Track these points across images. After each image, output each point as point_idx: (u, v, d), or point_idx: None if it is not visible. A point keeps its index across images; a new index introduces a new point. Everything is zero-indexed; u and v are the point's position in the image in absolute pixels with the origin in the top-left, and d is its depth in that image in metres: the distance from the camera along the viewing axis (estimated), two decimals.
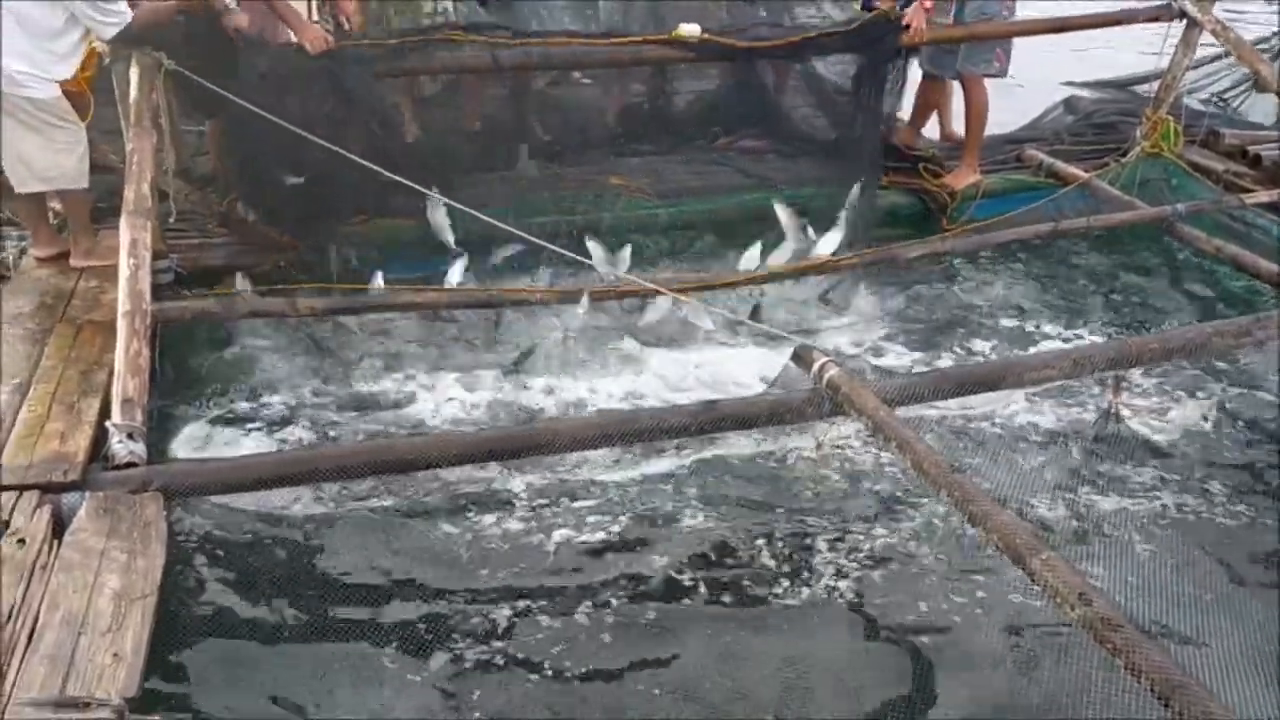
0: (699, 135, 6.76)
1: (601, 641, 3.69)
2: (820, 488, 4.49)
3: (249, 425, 4.81)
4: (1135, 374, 4.97)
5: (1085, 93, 8.75)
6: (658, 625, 3.78)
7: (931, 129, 7.30)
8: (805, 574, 4.01)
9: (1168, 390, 5.14)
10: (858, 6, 6.50)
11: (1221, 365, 5.32)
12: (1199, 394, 5.13)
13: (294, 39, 5.23)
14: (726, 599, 3.91)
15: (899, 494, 4.40)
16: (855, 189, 5.80)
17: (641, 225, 5.87)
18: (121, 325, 4.12)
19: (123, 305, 4.20)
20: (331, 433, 4.80)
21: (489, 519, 4.24)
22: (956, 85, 6.77)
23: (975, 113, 6.54)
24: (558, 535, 4.18)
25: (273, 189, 5.45)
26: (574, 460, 4.49)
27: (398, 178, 4.86)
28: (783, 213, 5.72)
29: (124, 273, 4.32)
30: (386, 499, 4.28)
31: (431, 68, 5.76)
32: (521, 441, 4.07)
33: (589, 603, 3.85)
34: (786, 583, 3.97)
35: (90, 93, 5.12)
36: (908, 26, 5.83)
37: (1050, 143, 7.25)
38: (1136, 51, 8.85)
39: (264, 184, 5.48)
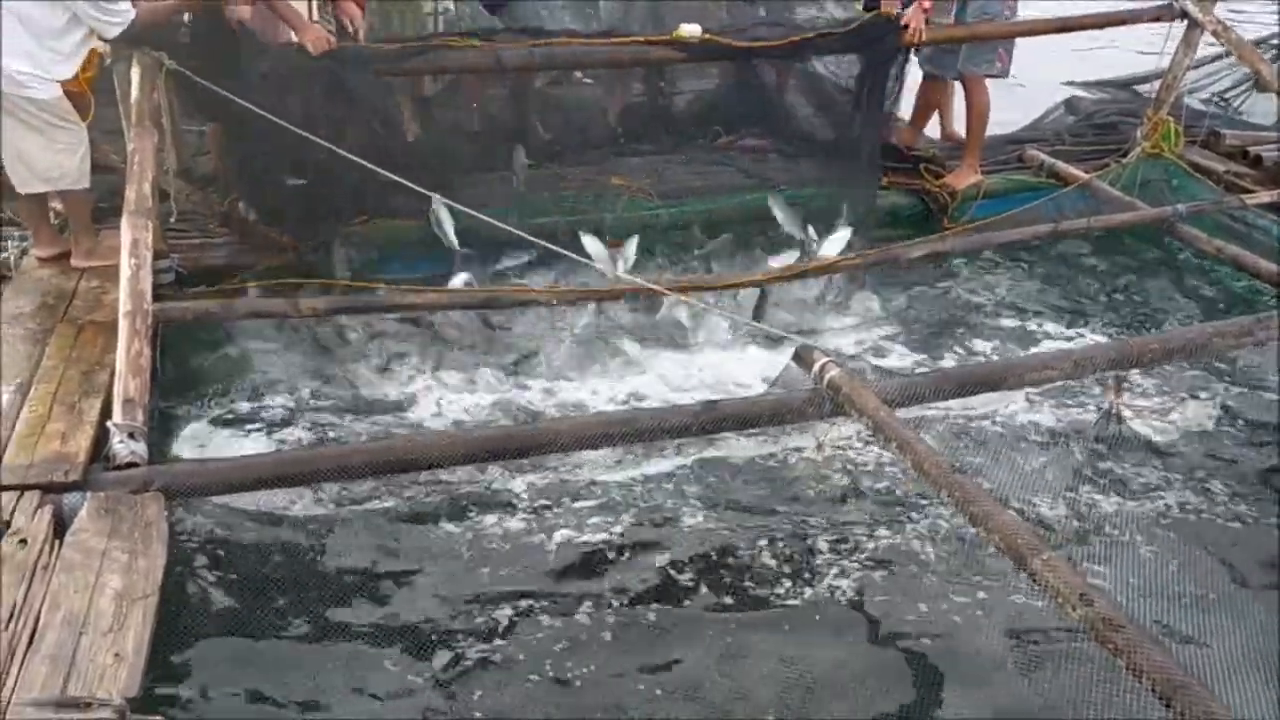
0: (700, 135, 6.76)
1: (602, 641, 3.69)
2: (821, 488, 4.49)
3: (250, 425, 4.81)
4: (1136, 374, 4.97)
5: (1086, 93, 8.74)
6: (658, 625, 3.77)
7: (932, 129, 7.31)
8: (806, 574, 4.01)
9: (1168, 391, 5.13)
10: (859, 6, 6.51)
11: (1222, 365, 5.31)
12: (1200, 394, 5.13)
13: (295, 39, 5.23)
14: (727, 599, 3.91)
15: (900, 494, 4.40)
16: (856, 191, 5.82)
17: (642, 225, 5.86)
18: (123, 325, 4.12)
19: (124, 305, 4.20)
20: (332, 433, 4.80)
21: (490, 519, 4.24)
22: (958, 85, 6.77)
23: (976, 113, 6.54)
24: (559, 535, 4.18)
25: (274, 189, 5.47)
26: (575, 460, 4.48)
27: (398, 178, 4.86)
28: (779, 210, 5.72)
29: (125, 273, 4.32)
30: (387, 499, 4.27)
31: (433, 68, 5.76)
32: (522, 441, 4.07)
33: (590, 603, 3.85)
34: (787, 583, 3.97)
35: (91, 93, 5.11)
36: (906, 27, 5.83)
37: (1051, 143, 7.25)
38: (1136, 51, 8.85)
39: (265, 184, 5.50)
